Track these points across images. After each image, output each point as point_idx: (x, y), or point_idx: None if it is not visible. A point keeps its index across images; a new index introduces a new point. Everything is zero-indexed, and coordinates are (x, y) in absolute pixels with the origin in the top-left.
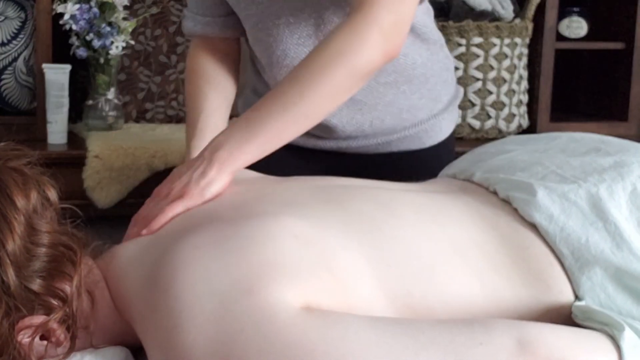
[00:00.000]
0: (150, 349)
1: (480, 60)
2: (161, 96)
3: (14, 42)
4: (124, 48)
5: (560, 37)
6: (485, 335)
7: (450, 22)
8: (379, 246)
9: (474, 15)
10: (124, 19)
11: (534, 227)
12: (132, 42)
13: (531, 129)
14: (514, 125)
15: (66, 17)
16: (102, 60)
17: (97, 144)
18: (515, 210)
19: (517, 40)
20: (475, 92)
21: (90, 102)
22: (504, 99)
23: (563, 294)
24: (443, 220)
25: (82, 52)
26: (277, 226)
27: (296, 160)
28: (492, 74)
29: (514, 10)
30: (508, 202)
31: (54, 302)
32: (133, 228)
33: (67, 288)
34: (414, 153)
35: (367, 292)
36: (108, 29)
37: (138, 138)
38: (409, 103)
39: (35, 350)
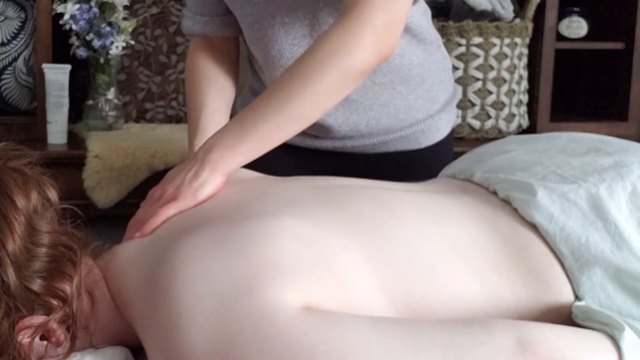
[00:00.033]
0: (150, 349)
1: (480, 60)
2: (161, 96)
3: (14, 42)
4: (124, 48)
5: (560, 37)
6: (486, 335)
7: (450, 22)
8: (379, 246)
9: (474, 15)
10: (124, 19)
11: (534, 227)
12: (132, 42)
13: (531, 129)
14: (514, 125)
15: (66, 17)
16: (102, 60)
17: (97, 144)
18: (515, 210)
19: (517, 40)
20: (475, 92)
21: (90, 102)
22: (504, 99)
23: (563, 294)
24: (443, 220)
25: (82, 52)
26: (277, 226)
27: (293, 159)
28: (492, 74)
29: (514, 10)
30: (508, 202)
31: (54, 302)
32: (130, 231)
33: (67, 288)
34: (411, 153)
35: (367, 292)
36: (108, 29)
37: (138, 138)
38: (406, 103)
39: (35, 351)
